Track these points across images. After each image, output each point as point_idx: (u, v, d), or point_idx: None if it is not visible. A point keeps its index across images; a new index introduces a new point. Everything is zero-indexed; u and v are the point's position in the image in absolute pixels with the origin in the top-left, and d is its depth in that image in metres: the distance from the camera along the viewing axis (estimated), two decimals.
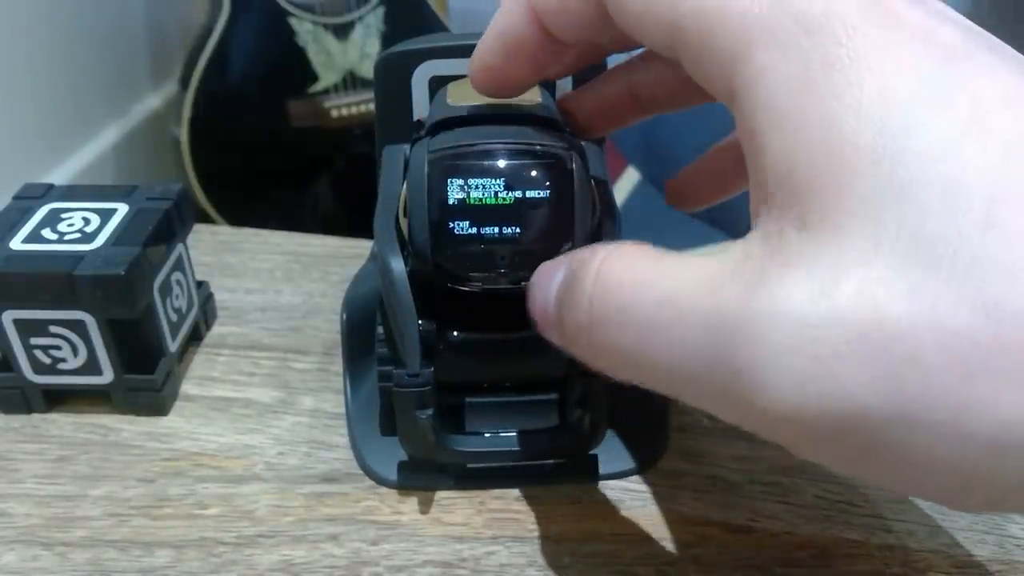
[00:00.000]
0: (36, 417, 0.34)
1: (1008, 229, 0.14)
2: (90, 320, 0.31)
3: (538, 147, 0.25)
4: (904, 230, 0.15)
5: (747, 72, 0.17)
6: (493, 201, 0.25)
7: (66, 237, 0.32)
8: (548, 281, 0.22)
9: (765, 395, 0.16)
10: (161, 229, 0.33)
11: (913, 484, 0.17)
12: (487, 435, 0.29)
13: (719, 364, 0.16)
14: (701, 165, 0.29)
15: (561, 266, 0.21)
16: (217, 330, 0.39)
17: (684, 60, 0.19)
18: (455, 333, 0.28)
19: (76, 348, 0.32)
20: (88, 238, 0.32)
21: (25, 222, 0.33)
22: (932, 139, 0.15)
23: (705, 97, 0.22)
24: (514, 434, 0.29)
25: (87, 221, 0.33)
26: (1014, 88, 0.16)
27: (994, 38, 0.17)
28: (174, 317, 0.35)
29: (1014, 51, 0.17)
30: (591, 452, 0.30)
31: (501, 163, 0.25)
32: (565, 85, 0.32)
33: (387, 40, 1.09)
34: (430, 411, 0.27)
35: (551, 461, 0.30)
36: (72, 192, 0.35)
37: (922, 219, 0.15)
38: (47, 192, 0.35)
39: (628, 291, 0.18)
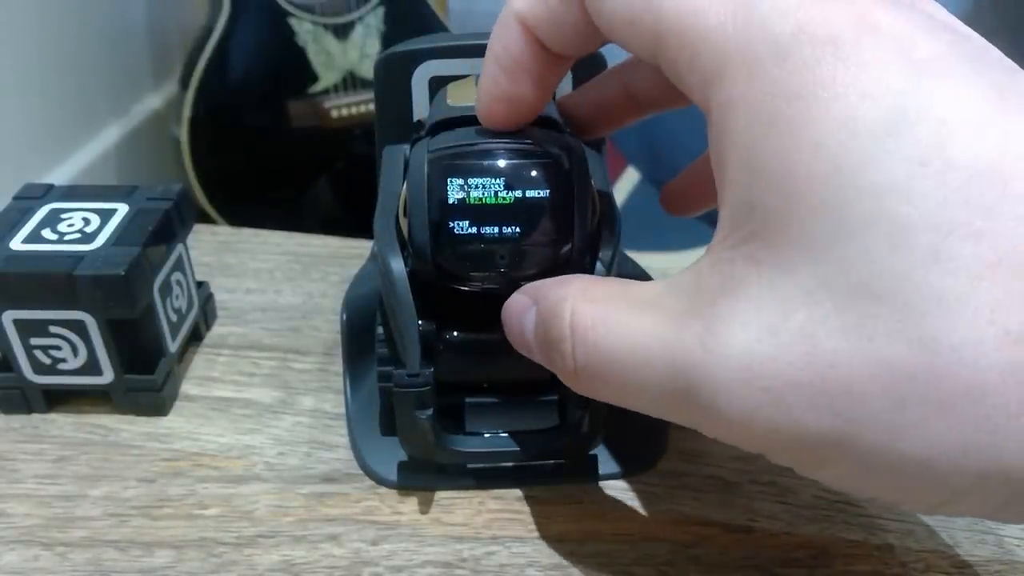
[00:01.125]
0: (36, 417, 0.34)
1: (956, 264, 0.15)
2: (90, 320, 0.31)
3: (538, 147, 0.25)
4: (849, 269, 0.15)
5: (718, 99, 0.18)
6: (493, 201, 0.25)
7: (66, 237, 0.32)
8: (519, 318, 0.23)
9: (725, 421, 0.17)
10: (161, 229, 0.33)
11: (858, 489, 0.18)
12: (487, 435, 0.29)
13: (684, 397, 0.18)
14: (692, 172, 0.30)
15: (529, 306, 0.23)
16: (217, 330, 0.39)
17: (667, 72, 0.19)
18: (455, 333, 0.28)
19: (76, 348, 0.32)
20: (88, 238, 0.32)
21: (25, 222, 0.33)
22: (888, 174, 0.15)
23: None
24: (514, 434, 0.29)
25: (87, 221, 0.33)
26: (986, 109, 0.15)
27: (982, 44, 0.17)
28: (174, 317, 0.35)
29: (1001, 57, 0.17)
30: (591, 452, 0.30)
31: (501, 163, 0.25)
32: (565, 86, 0.32)
33: (387, 40, 1.09)
34: (430, 411, 0.27)
35: (551, 461, 0.30)
36: (72, 192, 0.35)
37: (866, 259, 0.15)
38: (47, 192, 0.35)
39: (603, 343, 0.20)
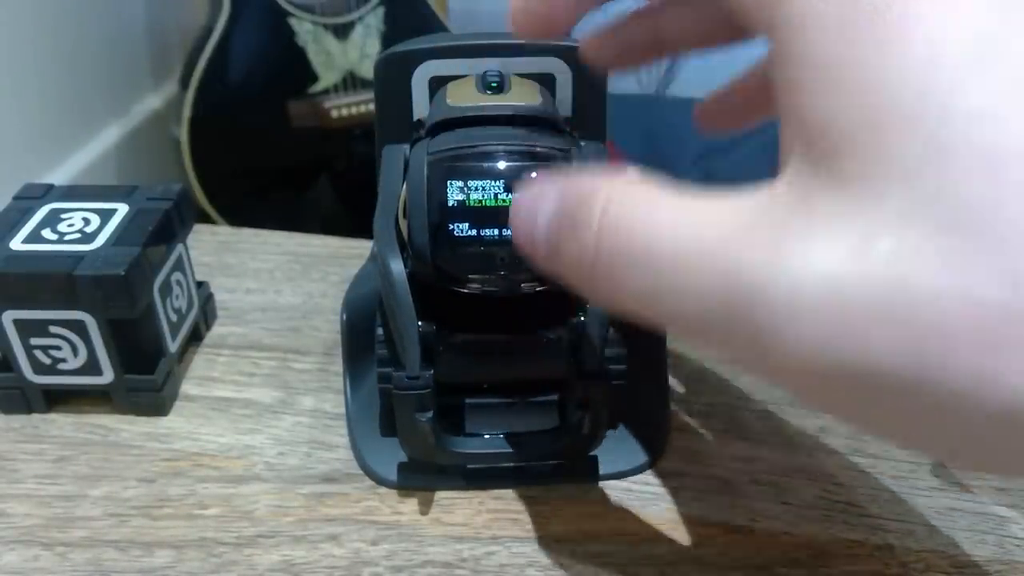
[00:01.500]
0: (36, 417, 0.34)
1: None
2: (90, 320, 0.31)
3: (538, 148, 0.25)
4: (942, 195, 0.14)
5: (787, 13, 0.16)
6: (493, 203, 0.25)
7: (66, 237, 0.32)
8: (533, 204, 0.20)
9: (783, 350, 0.16)
10: (161, 229, 0.33)
11: (916, 441, 0.17)
12: (487, 436, 0.29)
13: (737, 316, 0.16)
14: (731, 91, 0.28)
15: (550, 194, 0.20)
16: (217, 330, 0.39)
17: None
18: (455, 335, 0.28)
19: (76, 348, 0.32)
20: (88, 238, 0.32)
21: (25, 222, 0.33)
22: (978, 100, 0.14)
23: (731, 38, 0.21)
24: (514, 435, 0.29)
25: (87, 221, 0.33)
26: None
27: None
28: (174, 317, 0.35)
29: None
30: (591, 453, 0.30)
31: (501, 165, 0.25)
32: (565, 87, 0.32)
33: (387, 40, 1.09)
34: (430, 413, 0.27)
35: (551, 462, 0.30)
36: (72, 192, 0.35)
37: (961, 184, 0.14)
38: (47, 192, 0.35)
39: (640, 237, 0.17)
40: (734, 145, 0.83)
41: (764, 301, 0.16)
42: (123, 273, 0.30)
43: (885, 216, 0.15)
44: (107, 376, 0.33)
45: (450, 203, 0.25)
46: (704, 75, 0.33)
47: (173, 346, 0.35)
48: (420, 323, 0.26)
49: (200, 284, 0.38)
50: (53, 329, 0.31)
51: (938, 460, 0.18)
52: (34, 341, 0.32)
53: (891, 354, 0.15)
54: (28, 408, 0.34)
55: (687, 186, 0.18)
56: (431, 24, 1.11)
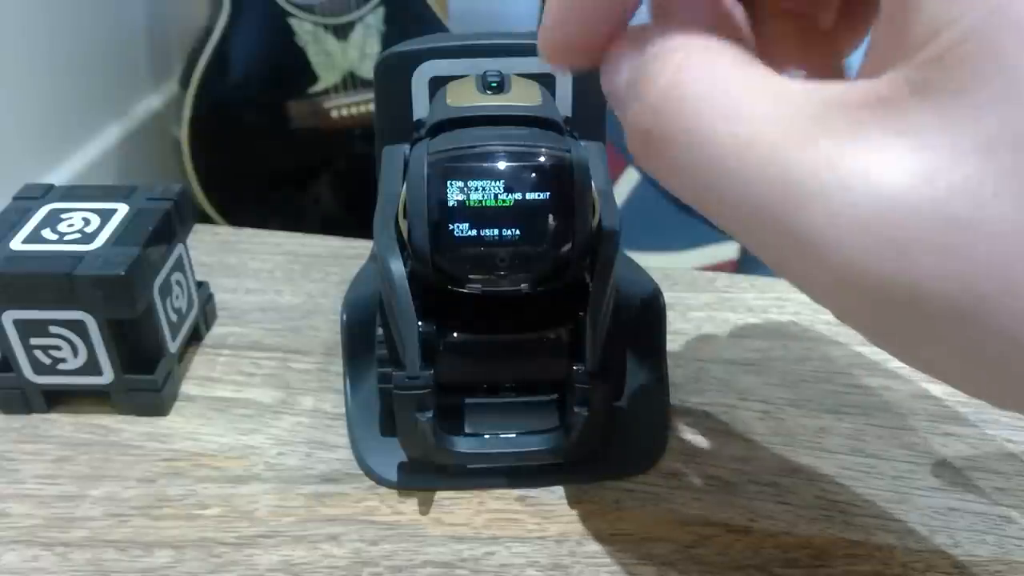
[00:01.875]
0: (36, 417, 0.34)
1: None
2: (90, 320, 0.31)
3: (538, 149, 0.25)
4: None
5: None
6: (493, 203, 0.25)
7: (66, 237, 0.32)
8: (619, 54, 0.19)
9: (829, 262, 0.15)
10: (161, 229, 0.33)
11: (956, 375, 0.16)
12: (487, 436, 0.29)
13: (788, 217, 0.15)
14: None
15: (637, 47, 0.18)
16: (217, 330, 0.39)
17: None
18: (455, 335, 0.28)
19: (76, 348, 0.32)
20: (88, 238, 0.32)
21: (25, 222, 0.33)
22: None
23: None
24: (514, 435, 0.29)
25: (87, 221, 0.33)
26: None
27: None
28: (174, 317, 0.35)
29: None
30: (591, 453, 0.30)
31: (501, 165, 0.25)
32: (565, 90, 0.32)
33: (387, 40, 1.09)
34: (430, 413, 0.27)
35: (551, 462, 0.30)
36: (72, 192, 0.35)
37: None
38: (47, 192, 0.35)
39: (700, 111, 0.16)
40: None
41: (817, 208, 0.14)
42: (123, 273, 0.30)
43: (974, 139, 0.14)
44: (107, 376, 0.33)
45: (450, 203, 0.25)
46: None
47: (173, 346, 0.35)
48: (420, 323, 0.26)
49: (200, 284, 0.38)
50: (53, 329, 0.31)
51: (987, 400, 0.17)
52: (34, 341, 0.32)
53: (944, 286, 0.14)
54: (28, 408, 0.34)
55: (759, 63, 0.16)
56: (431, 24, 1.11)
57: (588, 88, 0.32)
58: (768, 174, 0.15)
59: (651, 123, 0.17)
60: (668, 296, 0.34)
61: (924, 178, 0.14)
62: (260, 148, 1.10)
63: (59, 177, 0.99)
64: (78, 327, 0.31)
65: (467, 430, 0.29)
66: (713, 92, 0.16)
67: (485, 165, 0.25)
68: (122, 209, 0.34)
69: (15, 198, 0.35)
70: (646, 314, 0.33)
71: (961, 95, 0.14)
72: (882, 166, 0.14)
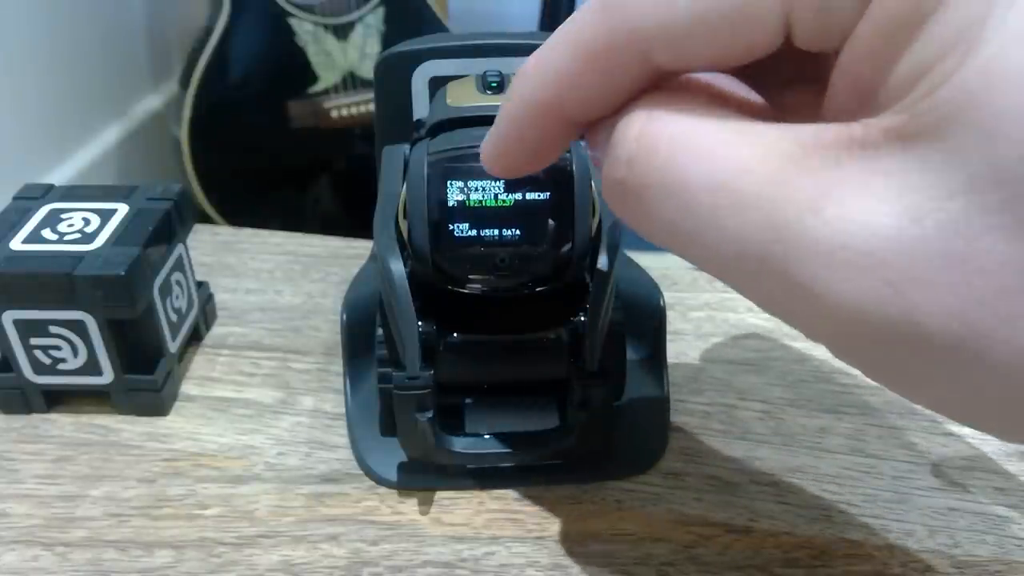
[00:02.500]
0: (36, 417, 0.34)
1: None
2: (90, 320, 0.31)
3: None
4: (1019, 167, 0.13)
5: None
6: (493, 203, 0.25)
7: (66, 237, 0.32)
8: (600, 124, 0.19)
9: (823, 303, 0.14)
10: (161, 229, 0.33)
11: (962, 411, 0.16)
12: (487, 436, 0.29)
13: (773, 263, 0.15)
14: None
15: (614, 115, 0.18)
16: (217, 330, 0.39)
17: None
18: (455, 335, 0.28)
19: (76, 348, 0.32)
20: (88, 238, 0.32)
21: (25, 222, 0.33)
22: None
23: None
24: (514, 435, 0.29)
25: (87, 221, 0.33)
26: None
27: None
28: (174, 317, 0.35)
29: None
30: (591, 452, 0.30)
31: None
32: None
33: (387, 40, 1.09)
34: (430, 414, 0.27)
35: (551, 462, 0.30)
36: (72, 192, 0.35)
37: None
38: (47, 192, 0.35)
39: (673, 157, 0.16)
40: None
41: (800, 254, 0.14)
42: (123, 273, 0.30)
43: (957, 177, 0.14)
44: (107, 376, 0.33)
45: (450, 203, 0.25)
46: None
47: (173, 346, 0.35)
48: (420, 323, 0.26)
49: (200, 284, 0.38)
50: (53, 329, 0.31)
51: (996, 435, 0.17)
52: (34, 341, 0.32)
53: (943, 324, 0.14)
54: (28, 408, 0.34)
55: (732, 113, 0.16)
56: (431, 24, 1.11)
57: None
58: (748, 218, 0.15)
59: (624, 173, 0.16)
60: (668, 296, 0.34)
61: (911, 218, 0.14)
62: (260, 148, 1.10)
63: (59, 177, 0.99)
64: (78, 327, 0.31)
65: (467, 430, 0.29)
66: (685, 138, 0.16)
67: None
68: (122, 209, 0.34)
69: (15, 198, 0.35)
70: (646, 314, 0.33)
71: (941, 138, 0.14)
72: (867, 206, 0.14)
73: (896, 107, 0.15)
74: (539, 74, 0.18)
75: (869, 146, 0.14)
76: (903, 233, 0.14)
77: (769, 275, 0.15)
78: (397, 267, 0.26)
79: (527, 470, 0.30)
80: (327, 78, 1.08)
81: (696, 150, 0.16)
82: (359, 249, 0.45)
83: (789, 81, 0.19)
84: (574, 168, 0.25)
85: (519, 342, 0.28)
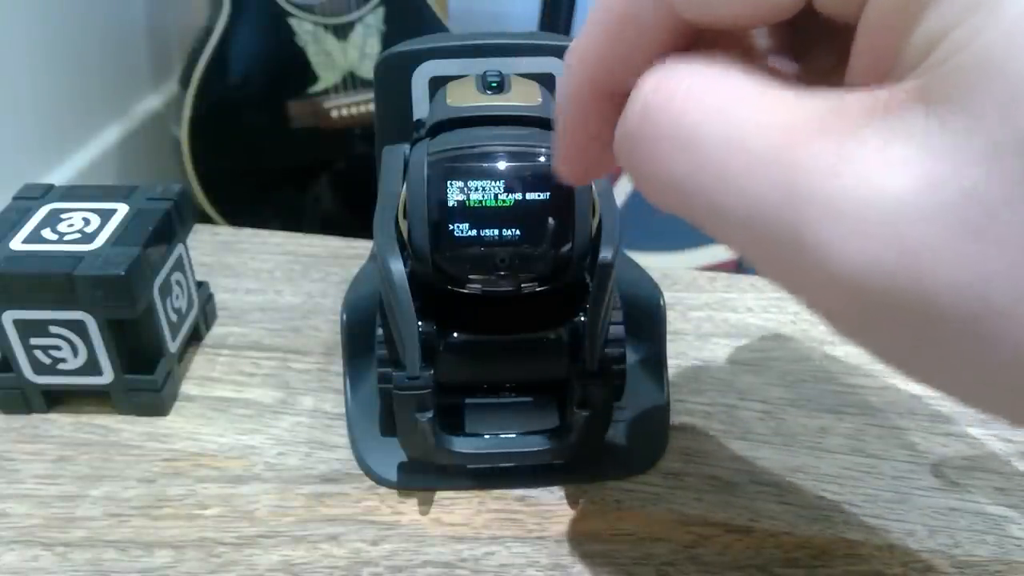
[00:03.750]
0: (36, 417, 0.34)
1: None
2: (90, 320, 0.31)
3: (538, 149, 0.25)
4: None
5: None
6: (493, 203, 0.25)
7: (66, 237, 0.32)
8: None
9: (834, 268, 0.14)
10: (161, 229, 0.33)
11: (971, 393, 0.15)
12: (487, 436, 0.29)
13: (783, 225, 0.14)
14: None
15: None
16: (217, 330, 0.39)
17: None
18: (455, 335, 0.28)
19: (76, 348, 0.32)
20: (88, 238, 0.32)
21: (25, 222, 0.33)
22: None
23: None
24: (514, 435, 0.29)
25: (87, 221, 0.33)
26: None
27: None
28: (174, 317, 0.35)
29: None
30: (591, 453, 0.30)
31: (501, 165, 0.25)
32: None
33: (387, 40, 1.09)
34: (430, 414, 0.27)
35: (551, 462, 0.30)
36: (72, 192, 0.35)
37: None
38: (47, 192, 0.35)
39: (688, 111, 0.15)
40: None
41: (816, 217, 0.14)
42: (123, 273, 0.30)
43: (977, 145, 0.13)
44: (107, 376, 0.33)
45: (450, 203, 0.25)
46: None
47: (173, 346, 0.35)
48: (420, 323, 0.26)
49: (200, 284, 0.38)
50: (53, 329, 0.31)
51: (1005, 418, 0.16)
52: (34, 341, 0.32)
53: (953, 296, 0.13)
54: (28, 408, 0.34)
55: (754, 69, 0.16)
56: (431, 24, 1.11)
57: None
58: (762, 177, 0.15)
59: (638, 123, 0.16)
60: (668, 296, 0.34)
61: (930, 183, 0.13)
62: (260, 148, 1.10)
63: (59, 177, 0.99)
64: (78, 327, 0.31)
65: (467, 430, 0.29)
66: (702, 92, 0.16)
67: (485, 165, 0.25)
68: (122, 209, 0.34)
69: (15, 198, 0.35)
70: (646, 314, 0.33)
71: (963, 102, 0.13)
72: (886, 170, 0.14)
73: (919, 70, 0.14)
74: (579, 59, 0.18)
75: (893, 109, 0.14)
76: (921, 199, 0.13)
77: (779, 238, 0.15)
78: (397, 267, 0.26)
79: (527, 470, 0.30)
80: (327, 78, 1.08)
81: (713, 104, 0.15)
82: (359, 249, 0.45)
83: (814, 50, 0.19)
84: None
85: (519, 342, 0.28)
